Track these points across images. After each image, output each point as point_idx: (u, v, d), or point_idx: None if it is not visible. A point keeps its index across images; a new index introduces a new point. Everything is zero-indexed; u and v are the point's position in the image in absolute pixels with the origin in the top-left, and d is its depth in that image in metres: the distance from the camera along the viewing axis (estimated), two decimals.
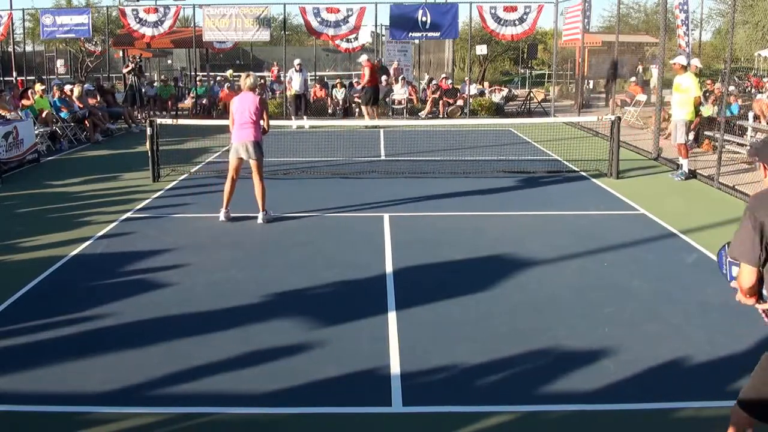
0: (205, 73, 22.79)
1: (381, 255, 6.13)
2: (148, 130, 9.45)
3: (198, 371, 3.97)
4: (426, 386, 3.82)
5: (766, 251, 2.48)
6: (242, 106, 7.20)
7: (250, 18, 17.45)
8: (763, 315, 2.71)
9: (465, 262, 6.01)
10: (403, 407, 3.59)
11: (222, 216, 7.30)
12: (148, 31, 17.84)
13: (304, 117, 16.16)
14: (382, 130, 15.28)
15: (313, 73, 20.07)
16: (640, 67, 20.91)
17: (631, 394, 3.70)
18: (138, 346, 4.31)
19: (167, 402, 3.63)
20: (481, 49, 21.75)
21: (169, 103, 19.04)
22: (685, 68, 9.62)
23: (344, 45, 19.13)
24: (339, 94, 18.39)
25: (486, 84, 22.67)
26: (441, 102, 17.81)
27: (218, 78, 23.73)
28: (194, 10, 18.50)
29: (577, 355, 4.15)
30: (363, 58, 17.15)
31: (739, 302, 2.66)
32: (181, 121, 11.87)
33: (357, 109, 17.49)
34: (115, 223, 7.31)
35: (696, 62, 10.88)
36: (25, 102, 12.95)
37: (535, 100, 19.79)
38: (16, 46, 20.80)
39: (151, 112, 17.66)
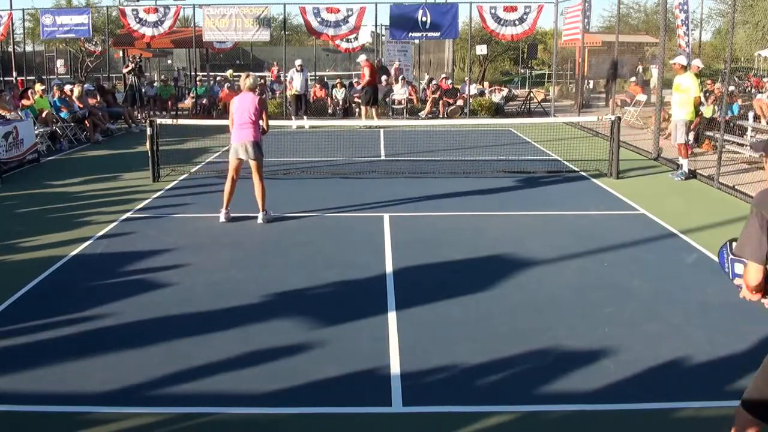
0: (205, 73, 22.79)
1: (381, 255, 6.13)
2: (148, 130, 9.45)
3: (198, 371, 3.97)
4: (426, 386, 3.82)
5: None
6: (242, 106, 7.20)
7: (250, 18, 17.45)
8: None
9: (465, 262, 6.01)
10: (403, 407, 3.59)
11: (222, 216, 7.30)
12: (148, 31, 17.84)
13: (305, 117, 16.17)
14: (382, 130, 15.28)
15: (313, 73, 20.07)
16: (640, 67, 20.90)
17: (631, 394, 3.70)
18: (138, 346, 4.31)
19: (167, 402, 3.63)
20: (481, 49, 21.75)
21: (169, 103, 19.05)
22: (685, 68, 9.63)
23: (344, 45, 19.14)
24: (339, 94, 18.39)
25: (486, 84, 22.68)
26: (441, 102, 17.81)
27: (218, 78, 23.74)
28: (194, 10, 18.52)
29: (577, 355, 4.15)
30: (362, 58, 17.15)
31: (743, 299, 2.65)
32: (181, 121, 11.86)
33: (357, 109, 17.49)
34: (115, 223, 7.31)
35: (698, 62, 10.88)
36: (25, 102, 12.95)
37: (535, 100, 19.79)
38: (16, 46, 20.81)
39: (151, 112, 17.67)
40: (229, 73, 23.16)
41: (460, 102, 17.95)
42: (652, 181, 9.62)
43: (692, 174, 9.64)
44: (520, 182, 9.45)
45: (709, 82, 16.48)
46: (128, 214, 7.70)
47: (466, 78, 20.15)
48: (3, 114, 10.97)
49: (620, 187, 9.02)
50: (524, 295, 5.20)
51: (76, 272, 5.80)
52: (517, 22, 17.39)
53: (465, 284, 5.36)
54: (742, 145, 11.07)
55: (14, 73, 19.29)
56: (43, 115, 12.86)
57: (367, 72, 16.33)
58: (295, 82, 16.75)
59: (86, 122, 13.96)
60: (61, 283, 5.52)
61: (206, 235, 6.89)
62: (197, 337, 4.43)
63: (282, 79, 19.56)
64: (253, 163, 7.22)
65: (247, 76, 7.48)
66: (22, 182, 9.69)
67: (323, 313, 4.82)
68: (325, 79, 21.69)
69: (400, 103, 18.07)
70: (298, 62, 16.95)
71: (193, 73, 24.84)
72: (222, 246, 6.54)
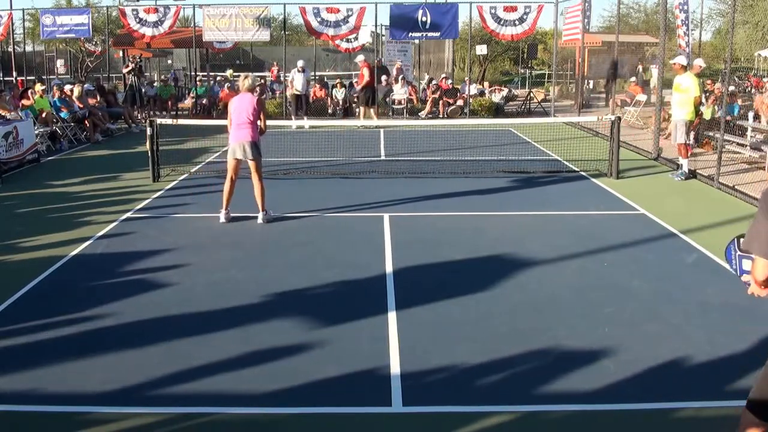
0: (205, 73, 22.79)
1: (381, 255, 6.13)
2: (148, 130, 9.45)
3: (198, 371, 3.97)
4: (426, 386, 3.82)
5: None
6: (240, 106, 7.21)
7: (250, 18, 17.44)
8: None
9: (465, 262, 6.01)
10: (403, 407, 3.59)
11: (222, 217, 7.30)
12: (148, 31, 17.83)
13: (305, 117, 16.17)
14: (382, 130, 15.29)
15: (313, 73, 20.07)
16: (640, 67, 20.90)
17: (631, 394, 3.70)
18: (138, 346, 4.31)
19: (167, 402, 3.63)
20: (481, 49, 21.75)
21: (169, 103, 19.05)
22: (685, 68, 9.63)
23: (344, 45, 19.14)
24: (339, 94, 18.40)
25: (486, 84, 22.68)
26: (441, 102, 17.81)
27: (218, 78, 23.73)
28: (194, 10, 18.51)
29: (577, 355, 4.15)
30: (359, 59, 17.17)
31: (746, 297, 2.64)
32: (181, 121, 11.86)
33: (357, 109, 17.49)
34: (115, 223, 7.31)
35: (700, 62, 10.88)
36: (25, 102, 12.95)
37: (535, 100, 19.79)
38: (16, 46, 20.80)
39: (151, 112, 17.67)
40: (229, 73, 23.16)
41: (460, 102, 17.95)
42: (652, 181, 9.62)
43: (692, 174, 9.64)
44: (520, 182, 9.45)
45: (709, 82, 16.47)
46: (128, 214, 7.70)
47: (466, 78, 20.15)
48: (3, 114, 10.97)
49: (620, 187, 9.02)
50: (524, 295, 5.20)
51: (76, 272, 5.80)
52: (517, 22, 17.39)
53: (465, 284, 5.36)
54: (742, 145, 11.07)
55: (14, 73, 19.28)
56: (43, 115, 12.86)
57: (366, 72, 16.34)
58: (296, 82, 16.76)
59: (86, 122, 13.97)
60: (61, 283, 5.52)
61: (206, 235, 6.89)
62: (197, 337, 4.43)
63: (282, 79, 19.57)
64: (251, 164, 7.23)
65: (246, 77, 7.50)
66: (22, 182, 9.69)
67: (323, 313, 4.82)
68: (325, 79, 21.69)
69: (400, 103, 18.07)
70: (300, 63, 16.97)
71: (193, 73, 24.84)
72: (222, 246, 6.54)
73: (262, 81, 21.10)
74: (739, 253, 2.66)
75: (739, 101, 13.92)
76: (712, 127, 11.90)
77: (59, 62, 24.39)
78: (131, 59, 18.17)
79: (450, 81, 20.02)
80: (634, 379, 3.86)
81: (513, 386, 3.82)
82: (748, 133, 11.21)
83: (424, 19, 17.17)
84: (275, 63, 23.87)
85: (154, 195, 8.70)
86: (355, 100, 17.67)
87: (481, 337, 4.42)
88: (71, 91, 14.45)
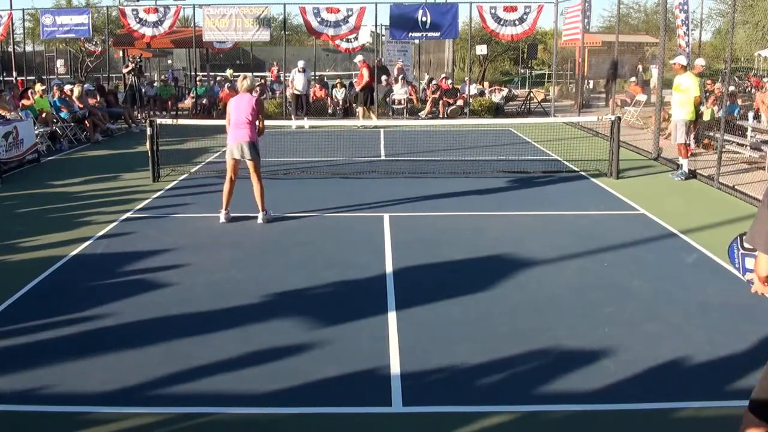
0: (205, 73, 22.79)
1: (381, 255, 6.13)
2: (148, 130, 9.46)
3: (198, 371, 3.97)
4: (426, 386, 3.82)
5: None
6: (239, 106, 7.22)
7: (250, 18, 17.45)
8: None
9: (465, 262, 6.01)
10: (403, 407, 3.59)
11: (222, 217, 7.30)
12: (148, 31, 17.83)
13: (305, 117, 16.17)
14: (382, 130, 15.28)
15: (313, 73, 20.08)
16: (640, 67, 20.90)
17: (631, 394, 3.70)
18: (138, 346, 4.30)
19: (167, 402, 3.63)
20: (481, 49, 21.74)
21: (169, 103, 19.05)
22: (685, 68, 9.63)
23: (344, 45, 19.14)
24: (339, 94, 18.40)
25: (486, 84, 22.68)
26: (441, 102, 17.81)
27: (218, 78, 23.73)
28: (194, 10, 18.51)
29: (577, 355, 4.15)
30: (359, 59, 17.17)
31: (756, 293, 2.62)
32: (181, 121, 11.86)
33: (357, 110, 17.49)
34: (115, 223, 7.31)
35: (701, 62, 10.87)
36: (25, 102, 12.95)
37: (535, 100, 19.80)
38: (16, 46, 20.80)
39: (151, 112, 17.67)
40: (229, 72, 23.16)
41: (460, 102, 17.95)
42: (652, 181, 9.62)
43: (692, 174, 9.64)
44: (519, 182, 9.45)
45: (709, 82, 16.47)
46: (128, 214, 7.70)
47: (466, 78, 20.16)
48: (3, 114, 10.97)
49: (620, 187, 9.02)
50: (524, 295, 5.20)
51: (76, 272, 5.80)
52: (517, 22, 17.39)
53: (465, 284, 5.36)
54: (742, 145, 11.07)
55: (14, 73, 19.29)
56: (43, 115, 12.86)
57: (365, 73, 16.34)
58: (296, 82, 16.77)
59: (86, 122, 13.97)
60: (61, 283, 5.51)
61: (206, 235, 6.89)
62: (197, 337, 4.43)
63: (282, 79, 19.57)
64: (249, 164, 7.23)
65: (244, 77, 7.53)
66: (22, 182, 9.69)
67: (323, 313, 4.82)
68: (325, 79, 21.69)
69: (400, 103, 18.07)
70: (301, 63, 16.98)
71: (193, 73, 24.84)
72: (222, 246, 6.54)
73: (263, 81, 21.11)
74: (741, 251, 2.65)
75: (739, 101, 13.92)
76: (712, 127, 11.90)
77: (59, 62, 24.39)
78: (131, 59, 18.17)
79: (450, 81, 20.02)
80: (634, 379, 3.86)
81: (513, 386, 3.82)
82: (748, 133, 11.21)
83: (424, 19, 17.17)
84: (275, 63, 23.87)
85: (154, 195, 8.70)
86: (355, 100, 17.67)
87: (481, 337, 4.42)
88: (71, 91, 14.45)
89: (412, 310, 4.87)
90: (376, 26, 20.04)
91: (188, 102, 19.20)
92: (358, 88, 16.94)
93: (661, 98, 11.86)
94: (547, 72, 29.54)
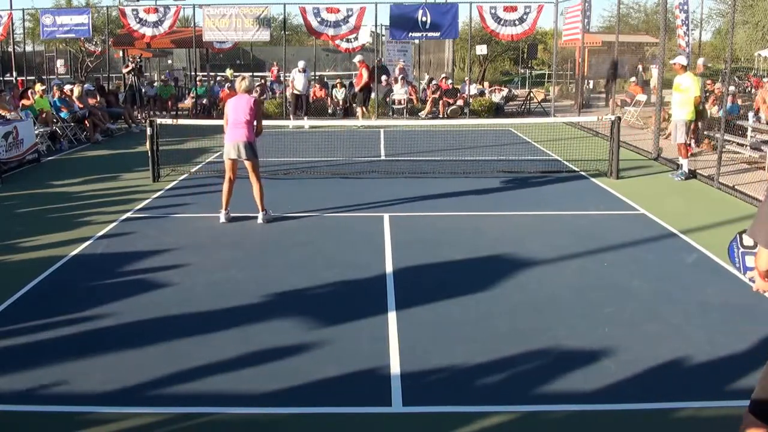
0: (205, 73, 22.79)
1: (381, 255, 6.13)
2: (148, 130, 9.46)
3: (198, 371, 3.97)
4: (426, 386, 3.82)
5: None
6: (237, 107, 7.23)
7: (250, 18, 17.44)
8: None
9: (465, 262, 6.01)
10: (403, 407, 3.59)
11: (222, 217, 7.30)
12: (148, 31, 17.82)
13: (305, 117, 16.17)
14: (382, 130, 15.28)
15: (313, 73, 20.08)
16: (640, 67, 20.91)
17: (631, 394, 3.70)
18: (138, 346, 4.31)
19: (167, 402, 3.63)
20: (481, 49, 21.74)
21: (169, 103, 19.05)
22: (685, 68, 9.63)
23: (344, 45, 19.13)
24: (339, 94, 18.40)
25: (486, 84, 22.68)
26: (441, 102, 17.80)
27: (218, 78, 23.73)
28: (194, 10, 18.50)
29: (577, 355, 4.15)
30: (357, 59, 17.16)
31: (757, 292, 2.61)
32: (181, 121, 11.86)
33: (357, 110, 17.49)
34: (115, 223, 7.31)
35: (701, 61, 10.87)
36: (25, 102, 12.95)
37: (535, 100, 19.79)
38: (16, 46, 20.79)
39: (151, 112, 17.67)
40: (229, 72, 23.15)
41: (460, 102, 17.95)
42: (652, 181, 9.62)
43: (692, 174, 9.64)
44: (519, 182, 9.45)
45: (709, 82, 16.48)
46: (128, 214, 7.70)
47: (466, 78, 20.15)
48: (3, 114, 10.97)
49: (620, 187, 9.02)
50: (524, 295, 5.20)
51: (76, 272, 5.80)
52: (517, 22, 17.38)
53: (465, 284, 5.36)
54: (742, 145, 11.07)
55: (14, 73, 19.28)
56: (43, 115, 12.86)
57: (365, 73, 16.33)
58: (297, 83, 16.77)
59: (86, 122, 13.97)
60: (61, 283, 5.52)
61: (206, 235, 6.89)
62: (197, 337, 4.43)
63: (282, 79, 19.56)
64: (248, 164, 7.23)
65: (243, 78, 7.54)
66: (22, 182, 9.69)
67: (323, 313, 4.82)
68: (325, 79, 21.68)
69: (400, 103, 18.07)
70: (301, 63, 16.98)
71: (193, 73, 24.83)
72: (222, 246, 6.55)
73: (263, 81, 21.11)
74: (741, 249, 2.64)
75: (739, 101, 13.92)
76: (712, 127, 11.90)
77: (59, 62, 24.38)
78: (131, 59, 18.17)
79: (450, 81, 20.01)
80: (634, 379, 3.86)
81: (513, 386, 3.82)
82: (748, 133, 11.21)
83: (424, 19, 17.16)
84: (275, 63, 23.87)
85: (154, 195, 8.70)
86: (354, 100, 17.66)
87: (481, 337, 4.42)
88: (71, 91, 14.45)
89: (412, 310, 4.87)
90: (376, 26, 20.04)
91: (188, 102, 19.19)
92: (357, 88, 16.94)
93: (661, 98, 11.86)
94: (547, 72, 29.54)
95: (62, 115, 13.59)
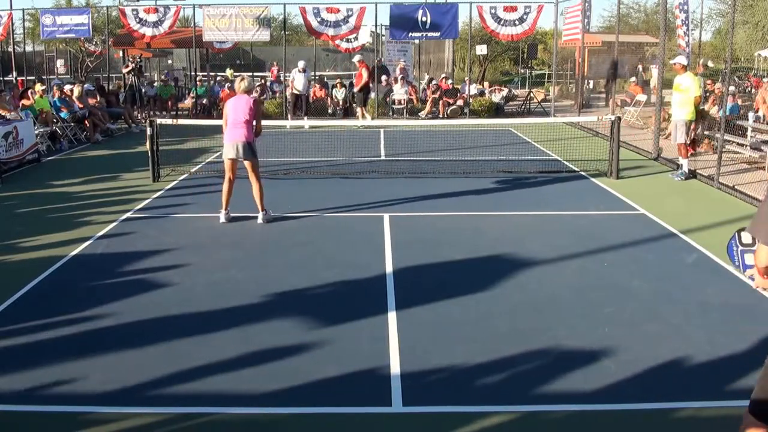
0: (205, 73, 22.78)
1: (381, 255, 6.13)
2: (148, 130, 9.46)
3: (198, 371, 3.97)
4: (426, 386, 3.82)
5: None
6: (236, 107, 7.24)
7: (250, 18, 17.44)
8: None
9: (465, 262, 6.01)
10: (403, 407, 3.59)
11: (222, 217, 7.30)
12: (148, 31, 17.82)
13: (305, 117, 16.17)
14: (382, 130, 15.28)
15: (313, 73, 20.07)
16: (640, 67, 20.91)
17: (631, 394, 3.70)
18: (138, 346, 4.31)
19: (167, 402, 3.63)
20: (481, 49, 21.74)
21: (169, 103, 19.05)
22: (685, 68, 9.63)
23: (344, 45, 19.13)
24: (339, 94, 18.40)
25: (486, 84, 22.67)
26: (441, 102, 17.80)
27: (218, 78, 23.73)
28: (194, 10, 18.50)
29: (577, 355, 4.15)
30: (356, 59, 17.15)
31: (757, 288, 2.61)
32: (181, 121, 11.86)
33: (357, 110, 17.49)
34: (115, 223, 7.31)
35: (704, 61, 10.87)
36: (25, 102, 12.95)
37: (535, 100, 19.79)
38: (16, 46, 20.79)
39: (151, 112, 17.67)
40: (229, 72, 23.15)
41: (460, 102, 17.95)
42: (652, 181, 9.62)
43: (692, 174, 9.64)
44: (519, 182, 9.45)
45: (709, 82, 16.48)
46: (128, 214, 7.70)
47: (466, 78, 20.15)
48: (3, 114, 10.97)
49: (620, 187, 9.02)
50: (524, 295, 5.20)
51: (76, 272, 5.80)
52: (517, 22, 17.38)
53: (465, 284, 5.36)
54: (742, 145, 11.07)
55: (14, 73, 19.28)
56: (43, 115, 12.86)
57: (365, 73, 16.32)
58: (297, 83, 16.77)
59: (86, 122, 13.97)
60: (61, 283, 5.51)
61: (206, 235, 6.89)
62: (197, 337, 4.43)
63: (282, 79, 19.56)
64: (247, 164, 7.24)
65: (242, 79, 7.54)
66: (22, 182, 9.69)
67: (323, 313, 4.82)
68: (325, 79, 21.68)
69: (400, 103, 18.07)
70: (301, 63, 16.99)
71: (193, 73, 24.83)
72: (222, 246, 6.55)
73: (263, 81, 21.11)
74: (740, 248, 2.64)
75: (739, 101, 13.92)
76: (712, 127, 11.90)
77: (59, 62, 24.38)
78: (131, 59, 18.17)
79: (450, 81, 20.01)
80: (634, 379, 3.86)
81: (513, 386, 3.82)
82: (748, 133, 11.21)
83: (424, 19, 17.16)
84: (275, 63, 23.87)
85: (154, 195, 8.70)
86: (353, 99, 17.66)
87: (481, 337, 4.42)
88: (71, 91, 14.45)
89: (412, 310, 4.87)
90: (376, 26, 20.04)
91: (188, 102, 19.20)
92: (356, 88, 16.95)
93: (661, 98, 11.86)
94: (547, 72, 29.54)
95: (62, 115, 13.59)
